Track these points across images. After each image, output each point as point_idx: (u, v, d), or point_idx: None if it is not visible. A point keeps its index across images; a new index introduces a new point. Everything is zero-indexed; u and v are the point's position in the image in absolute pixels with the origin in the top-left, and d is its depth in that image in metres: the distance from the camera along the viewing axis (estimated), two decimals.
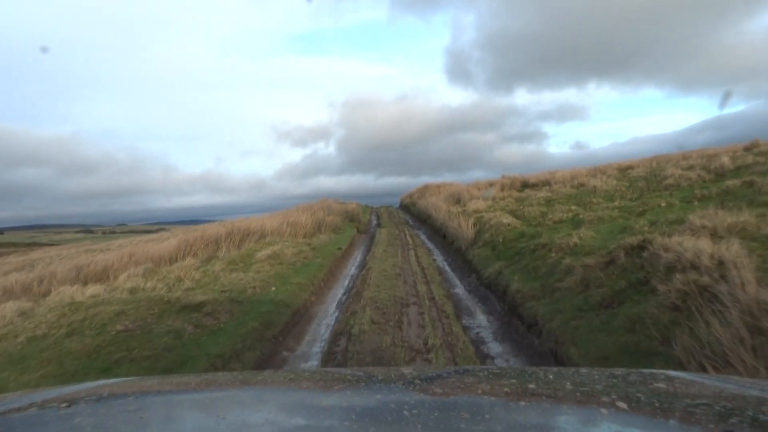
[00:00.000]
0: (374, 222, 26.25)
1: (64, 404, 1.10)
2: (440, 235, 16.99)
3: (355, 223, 21.21)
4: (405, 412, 1.00)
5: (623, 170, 23.87)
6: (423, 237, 18.17)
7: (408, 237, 17.50)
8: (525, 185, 28.47)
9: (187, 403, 1.21)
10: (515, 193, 22.19)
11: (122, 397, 1.23)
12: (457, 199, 21.77)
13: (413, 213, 29.65)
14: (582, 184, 21.06)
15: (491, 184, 27.68)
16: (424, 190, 33.79)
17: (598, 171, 29.13)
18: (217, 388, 1.35)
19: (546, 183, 28.80)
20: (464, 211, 17.30)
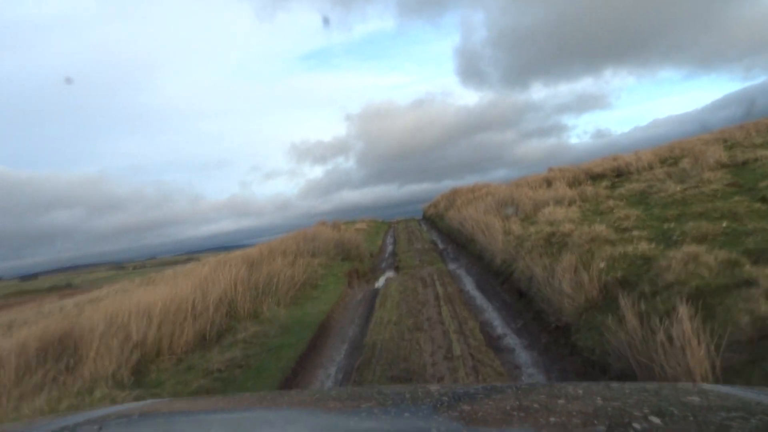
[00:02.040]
0: (388, 251, 18.26)
1: (96, 427, 1.11)
2: (505, 282, 8.85)
3: (352, 263, 13.17)
4: (434, 431, 0.98)
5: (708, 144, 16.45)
6: (471, 286, 9.45)
7: (446, 292, 8.73)
8: (591, 177, 20.61)
9: (215, 423, 1.19)
10: (602, 190, 14.10)
11: (152, 418, 1.22)
12: (513, 208, 13.78)
13: (442, 229, 21.67)
14: (684, 171, 13.00)
15: (547, 181, 19.59)
16: (453, 196, 25.71)
17: (675, 150, 21.19)
18: (245, 408, 1.34)
19: (620, 172, 21.01)
20: (540, 231, 9.28)
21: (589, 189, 15.11)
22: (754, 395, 1.20)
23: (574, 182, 18.73)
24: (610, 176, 20.40)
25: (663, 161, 19.70)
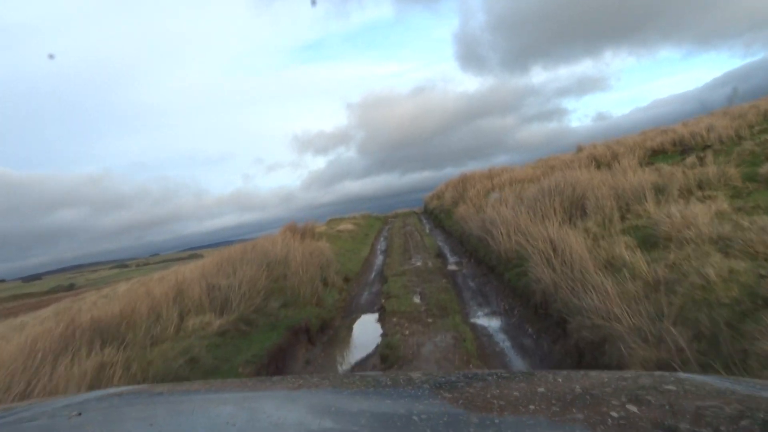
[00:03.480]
0: (374, 269, 12.18)
1: (75, 413, 1.09)
2: None
3: (300, 310, 7.11)
4: (414, 417, 0.99)
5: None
6: None
7: None
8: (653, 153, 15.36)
9: (197, 409, 1.18)
10: (694, 170, 8.20)
11: (132, 404, 1.21)
12: (577, 208, 7.80)
13: (451, 231, 15.71)
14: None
15: (611, 156, 13.75)
16: (462, 185, 19.56)
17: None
18: (227, 395, 1.32)
19: (685, 146, 15.77)
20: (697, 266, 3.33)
21: (671, 170, 9.25)
22: (729, 384, 1.21)
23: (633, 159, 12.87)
24: (672, 151, 14.88)
25: (752, 128, 13.82)
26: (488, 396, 1.16)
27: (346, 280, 10.63)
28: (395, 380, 1.38)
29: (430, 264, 10.99)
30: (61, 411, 1.13)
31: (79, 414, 1.08)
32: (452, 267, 10.51)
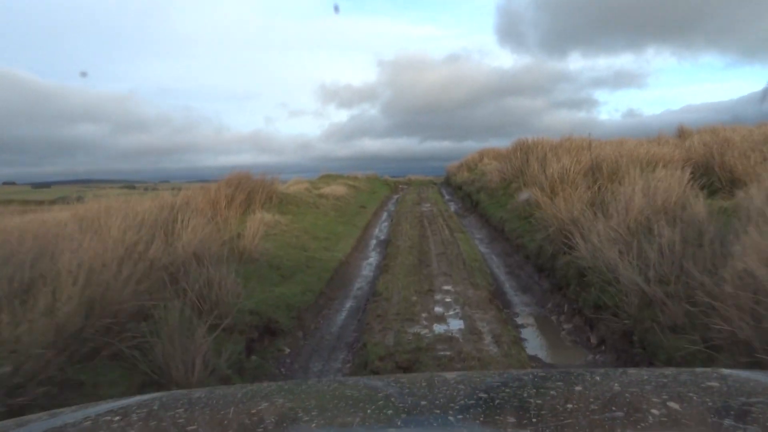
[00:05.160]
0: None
1: (117, 417, 1.10)
2: None
3: None
4: (450, 417, 0.96)
5: None
6: None
7: None
8: None
9: (234, 414, 1.15)
10: None
11: (172, 409, 1.19)
12: None
13: (499, 228, 8.91)
14: None
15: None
16: (518, 155, 12.45)
17: None
18: (263, 399, 1.28)
19: None
20: None
21: None
22: None
23: None
24: None
25: None
26: (525, 395, 1.12)
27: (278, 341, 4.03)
28: (430, 381, 1.33)
29: (485, 326, 4.31)
30: (103, 416, 1.13)
31: (122, 419, 1.09)
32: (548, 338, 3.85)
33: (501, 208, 9.99)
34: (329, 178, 19.60)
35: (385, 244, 8.74)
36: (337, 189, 13.91)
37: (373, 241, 9.53)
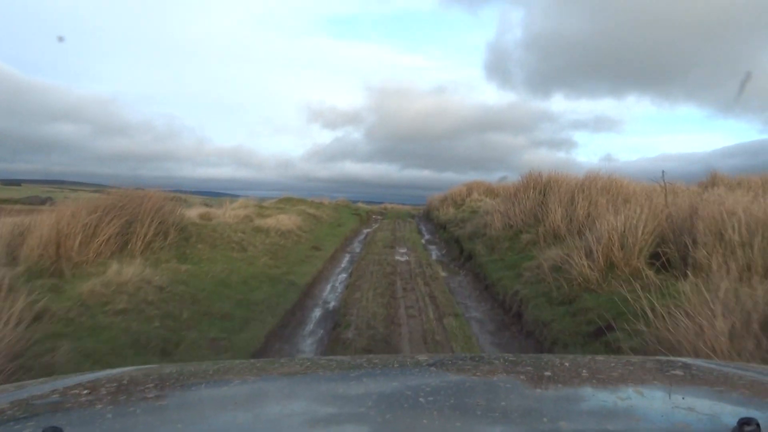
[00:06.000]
0: None
1: (86, 391, 1.06)
2: None
3: None
4: (421, 399, 0.95)
5: None
6: None
7: None
8: None
9: (206, 390, 1.14)
10: None
11: (142, 384, 1.15)
12: None
13: (516, 312, 5.64)
14: None
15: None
16: (529, 193, 9.33)
17: None
18: (235, 376, 1.26)
19: None
20: None
21: None
22: (735, 370, 1.18)
23: None
24: None
25: None
26: (495, 378, 1.13)
27: None
28: (402, 362, 1.34)
29: None
30: (71, 389, 1.09)
31: (90, 392, 1.05)
32: None
33: (510, 271, 6.74)
34: (288, 202, 16.22)
35: (331, 329, 5.33)
36: (288, 220, 10.51)
37: (310, 324, 5.85)
